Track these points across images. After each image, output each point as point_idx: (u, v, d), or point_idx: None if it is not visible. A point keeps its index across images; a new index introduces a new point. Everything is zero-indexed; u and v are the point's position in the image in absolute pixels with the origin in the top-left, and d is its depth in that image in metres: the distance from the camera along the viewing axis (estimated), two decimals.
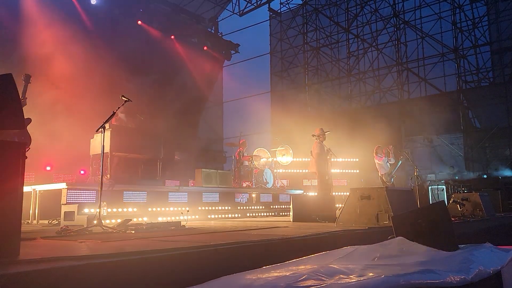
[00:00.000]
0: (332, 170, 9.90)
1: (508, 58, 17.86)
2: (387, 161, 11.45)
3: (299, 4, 22.59)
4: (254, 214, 9.05)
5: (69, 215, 6.13)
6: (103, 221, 5.21)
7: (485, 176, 15.21)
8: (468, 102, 18.28)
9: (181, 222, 6.13)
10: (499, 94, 16.77)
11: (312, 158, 9.85)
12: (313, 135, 9.81)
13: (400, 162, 11.56)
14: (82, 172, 11.50)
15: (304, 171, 13.25)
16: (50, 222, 6.41)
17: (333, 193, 10.31)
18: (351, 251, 3.33)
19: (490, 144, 17.71)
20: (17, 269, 2.15)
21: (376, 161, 11.61)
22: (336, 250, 3.40)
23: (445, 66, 19.07)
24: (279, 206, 10.15)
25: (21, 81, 5.74)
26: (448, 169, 16.41)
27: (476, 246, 4.09)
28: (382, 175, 11.54)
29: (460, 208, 8.66)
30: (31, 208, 6.80)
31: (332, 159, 9.54)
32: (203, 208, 8.16)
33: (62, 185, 6.64)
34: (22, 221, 2.76)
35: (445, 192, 13.70)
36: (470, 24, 18.54)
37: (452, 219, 4.77)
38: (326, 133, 9.82)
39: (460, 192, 13.26)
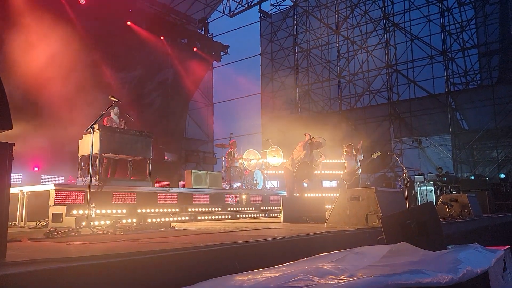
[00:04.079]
0: (323, 172, 9.82)
1: (496, 60, 18.11)
2: (358, 158, 11.37)
3: (289, 6, 22.65)
4: (244, 216, 9.02)
5: (57, 216, 6.06)
6: (92, 223, 5.16)
7: (473, 177, 15.37)
8: (457, 104, 18.50)
9: (171, 224, 6.11)
10: (486, 96, 16.98)
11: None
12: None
13: (362, 157, 11.41)
14: (69, 178, 11.40)
15: None
16: (37, 224, 6.31)
17: (323, 194, 10.35)
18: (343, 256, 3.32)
19: (478, 146, 17.94)
20: (3, 271, 2.11)
21: (345, 159, 11.58)
22: (327, 254, 3.40)
23: (433, 69, 19.30)
24: (269, 207, 10.12)
25: None
26: (436, 170, 16.57)
27: (464, 246, 4.13)
28: (346, 172, 11.53)
29: (448, 209, 8.73)
30: (18, 210, 6.70)
31: (323, 161, 9.45)
32: (193, 209, 8.12)
33: (50, 186, 6.56)
34: (9, 223, 2.72)
35: (433, 193, 13.81)
36: (458, 27, 18.79)
37: (441, 219, 4.81)
38: (313, 138, 9.13)
39: (448, 193, 13.40)
